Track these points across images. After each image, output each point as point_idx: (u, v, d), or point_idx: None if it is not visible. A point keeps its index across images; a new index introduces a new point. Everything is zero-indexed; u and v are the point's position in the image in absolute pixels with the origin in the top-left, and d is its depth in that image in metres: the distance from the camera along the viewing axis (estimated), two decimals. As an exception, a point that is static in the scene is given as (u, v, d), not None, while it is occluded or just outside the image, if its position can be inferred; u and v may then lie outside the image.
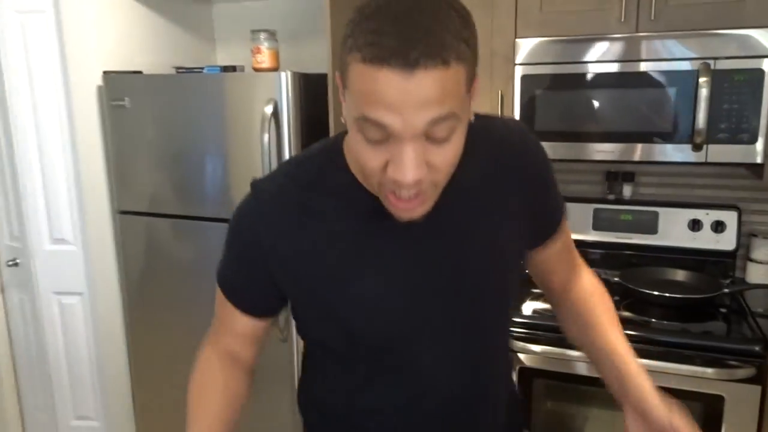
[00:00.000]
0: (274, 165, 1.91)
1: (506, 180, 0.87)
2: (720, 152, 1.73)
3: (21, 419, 2.58)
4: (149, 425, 2.37)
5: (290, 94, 1.86)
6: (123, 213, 2.20)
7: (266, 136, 1.85)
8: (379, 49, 0.63)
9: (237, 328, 0.95)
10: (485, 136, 0.86)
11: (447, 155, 0.70)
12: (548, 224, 0.97)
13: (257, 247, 0.85)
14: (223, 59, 2.67)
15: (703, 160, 1.74)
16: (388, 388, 0.88)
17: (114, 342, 2.36)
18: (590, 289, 1.03)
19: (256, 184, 0.88)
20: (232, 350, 0.96)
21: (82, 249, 2.27)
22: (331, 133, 1.95)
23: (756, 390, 1.59)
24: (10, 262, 2.37)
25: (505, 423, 0.99)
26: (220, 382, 0.94)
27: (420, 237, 0.82)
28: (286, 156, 1.90)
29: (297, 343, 2.05)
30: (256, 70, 2.05)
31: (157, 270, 2.19)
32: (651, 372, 0.90)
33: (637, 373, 0.88)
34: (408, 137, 0.66)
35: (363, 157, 0.71)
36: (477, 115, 0.85)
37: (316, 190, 0.83)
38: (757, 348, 1.59)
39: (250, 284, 0.90)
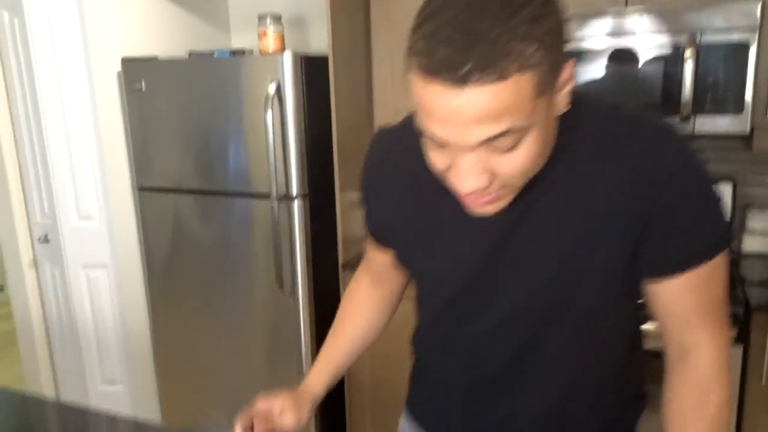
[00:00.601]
0: (279, 142, 2.02)
1: (618, 183, 0.74)
2: (707, 123, 1.77)
3: (55, 384, 2.76)
4: (170, 388, 2.52)
5: (292, 75, 1.96)
6: (143, 190, 2.34)
7: (270, 114, 1.95)
8: (431, 59, 0.59)
9: (377, 257, 1.02)
10: (604, 131, 0.76)
11: (514, 164, 0.65)
12: (667, 255, 0.77)
13: (367, 191, 0.94)
14: (237, 43, 2.77)
15: (691, 131, 1.79)
16: (446, 339, 0.92)
17: (137, 312, 2.50)
18: (696, 386, 0.83)
19: (375, 134, 0.95)
20: (380, 274, 1.04)
21: (106, 224, 2.42)
22: (333, 113, 2.04)
23: (738, 350, 1.65)
24: (42, 239, 2.54)
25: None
26: (365, 299, 1.07)
27: (496, 226, 0.78)
28: (290, 134, 2.01)
29: (302, 309, 2.16)
30: (263, 52, 2.15)
31: (175, 242, 2.32)
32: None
33: None
34: (465, 149, 0.63)
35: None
36: (602, 107, 0.78)
37: (413, 155, 0.82)
38: (739, 310, 1.65)
39: (372, 221, 0.97)
